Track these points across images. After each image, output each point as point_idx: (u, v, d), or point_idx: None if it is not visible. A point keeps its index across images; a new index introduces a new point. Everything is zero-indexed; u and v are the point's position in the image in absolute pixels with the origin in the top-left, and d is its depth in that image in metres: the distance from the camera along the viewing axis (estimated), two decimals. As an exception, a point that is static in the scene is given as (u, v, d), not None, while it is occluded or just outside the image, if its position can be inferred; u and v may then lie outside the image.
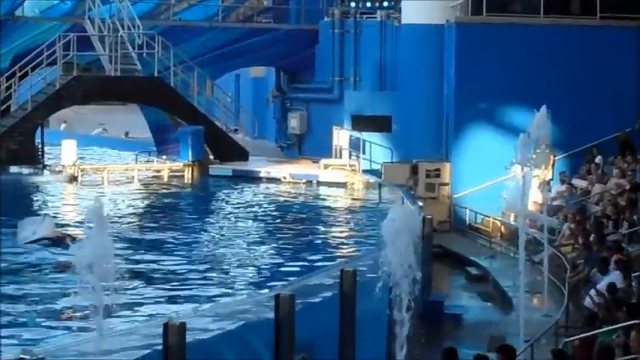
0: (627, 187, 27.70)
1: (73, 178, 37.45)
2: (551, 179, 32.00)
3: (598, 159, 31.55)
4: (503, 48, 32.76)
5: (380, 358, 18.22)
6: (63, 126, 44.88)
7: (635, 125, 32.42)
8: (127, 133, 49.31)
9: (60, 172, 38.66)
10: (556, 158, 32.52)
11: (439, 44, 34.49)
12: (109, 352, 14.45)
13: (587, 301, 19.60)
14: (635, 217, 24.72)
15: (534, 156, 31.79)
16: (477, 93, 33.01)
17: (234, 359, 15.27)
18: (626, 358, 12.89)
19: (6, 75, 40.33)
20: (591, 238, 24.58)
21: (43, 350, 14.04)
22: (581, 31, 33.63)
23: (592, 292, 19.59)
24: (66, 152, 39.64)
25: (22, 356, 13.37)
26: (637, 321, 14.28)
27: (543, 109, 23.66)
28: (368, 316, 18.17)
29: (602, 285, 19.61)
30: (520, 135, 24.68)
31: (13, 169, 39.18)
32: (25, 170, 39.36)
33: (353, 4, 40.66)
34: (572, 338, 16.59)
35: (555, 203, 30.43)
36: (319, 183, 36.30)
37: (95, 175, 37.77)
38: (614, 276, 19.87)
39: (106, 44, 40.37)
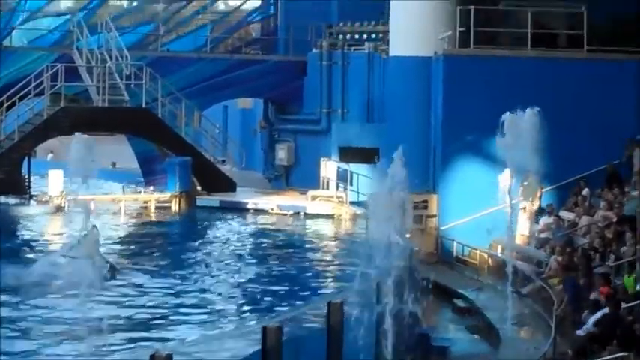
0: (614, 220, 27.78)
1: (59, 209, 37.53)
2: (539, 211, 32.17)
3: (585, 191, 31.65)
4: (490, 80, 32.89)
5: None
6: (50, 156, 44.95)
7: (622, 158, 32.55)
8: (114, 164, 49.29)
9: (46, 202, 38.77)
10: (543, 191, 32.64)
11: (427, 76, 34.60)
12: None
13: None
14: (622, 250, 24.79)
15: (522, 189, 32.17)
16: (464, 125, 33.10)
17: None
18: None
19: (-7, 106, 40.36)
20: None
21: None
22: (568, 64, 33.80)
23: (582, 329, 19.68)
24: (53, 182, 39.67)
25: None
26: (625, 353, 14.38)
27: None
28: (355, 347, 18.23)
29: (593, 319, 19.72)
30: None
31: (1, 199, 39.21)
32: (12, 200, 39.41)
33: (341, 37, 40.74)
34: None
35: (542, 236, 30.53)
36: (307, 215, 36.35)
37: (83, 206, 37.79)
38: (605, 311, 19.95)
39: (94, 75, 40.56)
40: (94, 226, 26.91)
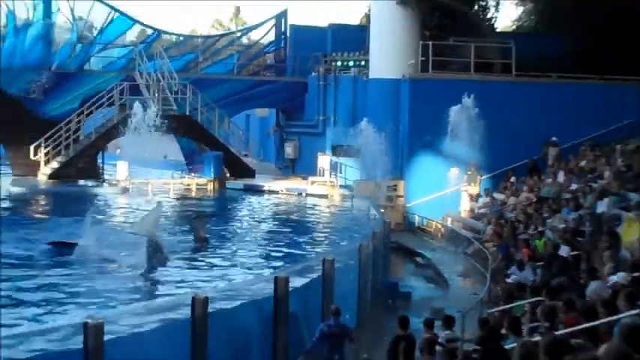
0: (534, 200, 27.96)
1: (125, 190, 37.51)
2: (479, 194, 32.30)
3: (513, 179, 31.84)
4: (443, 96, 32.86)
5: (353, 322, 18.28)
6: (118, 151, 44.85)
7: (540, 154, 32.69)
8: (165, 156, 49.36)
9: (115, 184, 38.78)
10: (482, 178, 32.78)
11: (396, 93, 34.70)
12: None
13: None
14: (538, 222, 24.92)
15: (466, 176, 32.31)
16: (424, 129, 33.16)
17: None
18: (530, 325, 13.00)
19: (77, 113, 40.51)
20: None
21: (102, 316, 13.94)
22: (501, 85, 33.97)
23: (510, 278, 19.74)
24: (120, 170, 39.84)
25: (87, 321, 13.32)
26: (539, 298, 14.46)
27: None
28: (344, 292, 18.29)
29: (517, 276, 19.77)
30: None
31: (81, 182, 39.32)
32: (89, 183, 39.38)
33: (333, 64, 40.79)
34: (492, 310, 16.72)
35: (481, 211, 30.65)
36: (307, 194, 36.40)
37: (142, 188, 37.82)
38: (528, 268, 20.02)
39: (151, 91, 40.51)
40: (159, 202, 26.41)
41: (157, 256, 22.62)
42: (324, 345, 14.94)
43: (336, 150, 37.83)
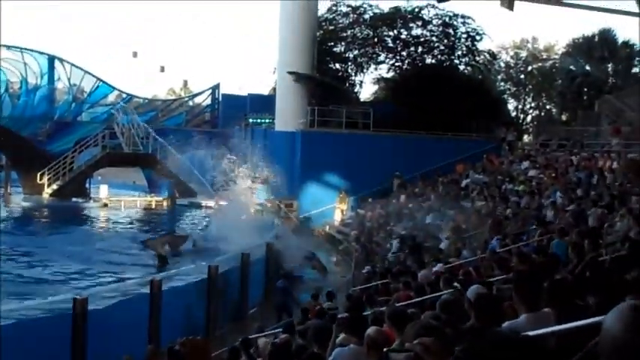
0: (384, 214, 28.21)
1: (105, 205, 37.11)
2: (346, 209, 32.49)
3: (370, 200, 32.07)
4: (325, 144, 33.13)
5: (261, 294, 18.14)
6: (99, 177, 43.99)
7: (388, 184, 32.94)
8: (134, 182, 48.33)
9: (98, 201, 38.28)
10: (349, 199, 32.99)
11: (293, 141, 34.76)
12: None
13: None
14: (388, 229, 25.13)
15: (338, 197, 32.39)
16: (311, 165, 33.30)
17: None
18: (380, 299, 13.02)
19: (71, 150, 39.88)
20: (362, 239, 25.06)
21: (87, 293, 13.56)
22: (362, 137, 34.29)
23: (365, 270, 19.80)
24: (102, 191, 39.14)
25: (75, 296, 12.81)
26: (386, 280, 14.54)
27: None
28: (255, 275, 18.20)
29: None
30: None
31: (73, 199, 38.50)
32: (79, 200, 38.70)
33: (251, 120, 40.62)
34: (355, 288, 16.80)
35: (348, 221, 30.81)
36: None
37: (117, 203, 37.46)
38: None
39: (124, 136, 39.98)
40: (191, 237, 26.11)
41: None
42: (278, 294, 17.61)
43: (252, 179, 37.50)
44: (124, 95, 46.52)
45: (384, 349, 5.53)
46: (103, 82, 44.19)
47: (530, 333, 4.52)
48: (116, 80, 77.76)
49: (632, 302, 1.91)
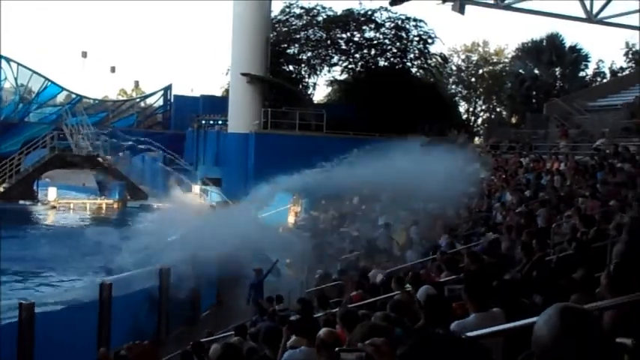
0: (337, 216, 28.25)
1: (53, 207, 36.43)
2: (300, 211, 32.47)
3: (323, 202, 32.00)
4: (278, 146, 33.08)
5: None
6: (48, 180, 43.11)
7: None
8: (84, 184, 47.44)
9: (46, 204, 37.56)
10: (303, 200, 32.97)
11: (246, 143, 34.61)
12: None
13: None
14: (341, 231, 25.19)
15: (292, 199, 32.36)
16: (264, 167, 33.15)
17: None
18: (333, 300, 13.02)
19: (19, 152, 38.99)
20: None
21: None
22: (316, 138, 34.30)
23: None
24: (50, 193, 38.39)
25: (21, 301, 12.50)
26: (340, 282, 14.51)
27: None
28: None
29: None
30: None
31: (21, 202, 37.66)
32: (27, 202, 37.87)
33: (204, 122, 40.24)
34: (308, 290, 16.80)
35: (302, 223, 30.79)
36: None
37: (66, 206, 36.90)
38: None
39: (73, 138, 39.27)
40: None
41: None
42: (252, 289, 18.15)
43: (204, 181, 37.23)
44: (74, 96, 45.67)
45: (335, 349, 5.51)
46: (52, 82, 43.34)
47: (479, 332, 4.56)
48: (65, 80, 76.39)
49: (561, 305, 1.91)
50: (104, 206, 38.61)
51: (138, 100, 51.62)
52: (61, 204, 37.76)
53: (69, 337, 12.37)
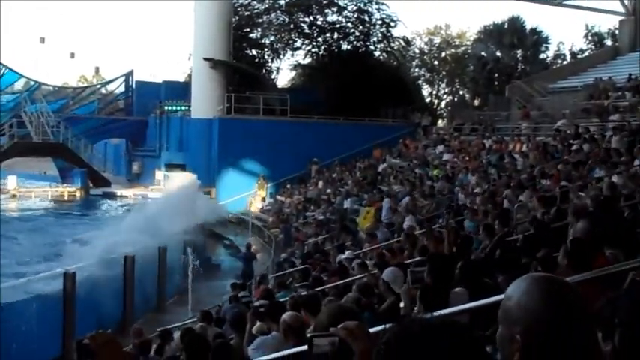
0: (302, 200, 28.28)
1: (14, 196, 35.84)
2: (265, 196, 32.44)
3: (288, 186, 32.13)
4: (241, 130, 32.97)
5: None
6: (6, 169, 42.34)
7: (306, 170, 33.15)
8: (44, 172, 46.65)
9: (7, 193, 36.89)
10: (268, 185, 32.93)
11: (210, 128, 34.42)
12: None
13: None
14: (306, 215, 25.23)
15: (257, 184, 32.29)
16: (228, 153, 33.11)
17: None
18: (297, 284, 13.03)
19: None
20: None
21: None
22: (279, 123, 34.29)
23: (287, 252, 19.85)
24: (10, 182, 37.68)
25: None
26: (306, 265, 14.53)
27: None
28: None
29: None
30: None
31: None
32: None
33: (167, 108, 39.70)
34: (274, 274, 16.78)
35: (267, 208, 30.78)
36: (147, 198, 35.28)
37: (27, 194, 36.34)
38: (297, 246, 20.20)
39: (34, 125, 38.55)
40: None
41: None
42: (244, 263, 19.92)
43: (168, 167, 36.93)
44: (32, 82, 44.83)
45: (308, 335, 5.52)
46: (10, 69, 42.38)
47: (445, 311, 4.61)
48: (23, 67, 74.90)
49: (536, 276, 1.85)
50: (66, 194, 38.04)
51: (99, 86, 50.72)
52: (22, 192, 37.06)
53: (33, 326, 12.23)
